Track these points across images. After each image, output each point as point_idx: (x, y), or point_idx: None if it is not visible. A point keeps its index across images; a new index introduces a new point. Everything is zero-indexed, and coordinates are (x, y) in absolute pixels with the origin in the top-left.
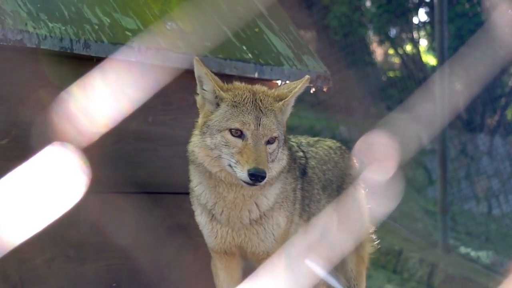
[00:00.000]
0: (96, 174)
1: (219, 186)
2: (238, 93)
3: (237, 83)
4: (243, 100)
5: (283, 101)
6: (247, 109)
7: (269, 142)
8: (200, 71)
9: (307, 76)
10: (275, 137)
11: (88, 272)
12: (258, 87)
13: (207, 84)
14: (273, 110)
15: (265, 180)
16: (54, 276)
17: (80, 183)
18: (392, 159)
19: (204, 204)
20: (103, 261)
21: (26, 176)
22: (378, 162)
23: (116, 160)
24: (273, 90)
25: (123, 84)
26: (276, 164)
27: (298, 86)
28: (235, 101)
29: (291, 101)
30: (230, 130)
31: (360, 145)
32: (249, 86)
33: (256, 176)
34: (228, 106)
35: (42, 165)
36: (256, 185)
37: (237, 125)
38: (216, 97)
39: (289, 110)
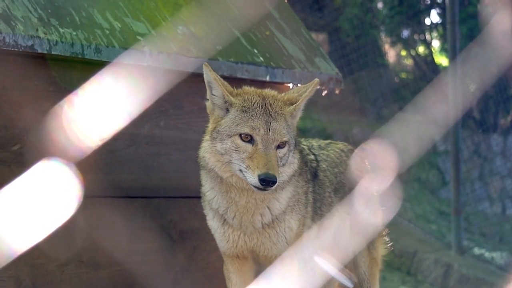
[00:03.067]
0: (108, 178)
1: (231, 191)
2: (247, 98)
3: (246, 88)
4: (253, 105)
5: (294, 105)
6: (256, 114)
7: (279, 146)
8: (209, 76)
9: (316, 79)
10: (286, 142)
11: (101, 276)
12: (268, 91)
13: (216, 89)
14: (283, 114)
15: (275, 185)
16: (67, 281)
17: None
18: (390, 168)
19: (216, 209)
20: (116, 266)
21: (36, 181)
22: (375, 171)
23: (129, 165)
24: (283, 94)
25: (135, 88)
26: (287, 168)
27: (308, 90)
28: (244, 106)
29: (301, 105)
30: (240, 135)
31: (357, 155)
32: (259, 90)
33: (267, 182)
34: (237, 111)
35: (52, 170)
36: (266, 190)
37: (246, 130)
38: (226, 102)
39: (299, 113)
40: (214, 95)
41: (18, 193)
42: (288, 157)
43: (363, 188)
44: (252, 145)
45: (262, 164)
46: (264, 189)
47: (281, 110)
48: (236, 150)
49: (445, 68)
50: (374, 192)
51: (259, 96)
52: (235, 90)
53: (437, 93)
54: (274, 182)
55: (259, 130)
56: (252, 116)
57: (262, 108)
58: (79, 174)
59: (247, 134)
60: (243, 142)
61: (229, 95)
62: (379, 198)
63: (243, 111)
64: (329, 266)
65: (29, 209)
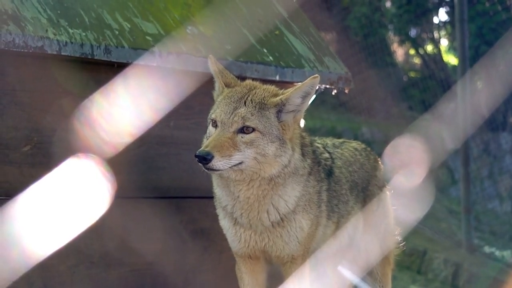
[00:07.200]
0: (119, 179)
1: (229, 185)
2: (236, 89)
3: (247, 81)
4: (234, 95)
5: (280, 96)
6: (231, 101)
7: (243, 131)
8: (210, 68)
9: (316, 75)
10: (252, 127)
11: (112, 277)
12: (267, 86)
13: (215, 80)
14: (262, 103)
15: (213, 164)
16: (78, 282)
17: (104, 192)
18: (422, 164)
19: (225, 206)
20: (127, 267)
21: (50, 186)
22: (408, 167)
23: (139, 165)
24: (282, 90)
25: (145, 89)
26: (272, 160)
27: (303, 83)
28: (226, 96)
29: (292, 97)
30: (211, 121)
31: (390, 150)
32: (256, 84)
33: (199, 157)
34: (220, 100)
35: (66, 174)
36: (209, 170)
37: (213, 116)
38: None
39: (294, 107)
40: (216, 86)
41: (29, 198)
42: (264, 146)
43: (376, 187)
44: (215, 129)
45: (206, 144)
46: (204, 168)
47: (262, 100)
48: (209, 136)
49: (453, 66)
50: (387, 191)
51: (248, 88)
52: (235, 82)
53: (446, 92)
54: (205, 158)
55: (223, 114)
56: (225, 103)
57: (239, 97)
58: (87, 176)
59: (214, 120)
60: (212, 128)
61: (223, 86)
62: (407, 200)
63: (223, 99)
64: (351, 275)
65: (41, 215)
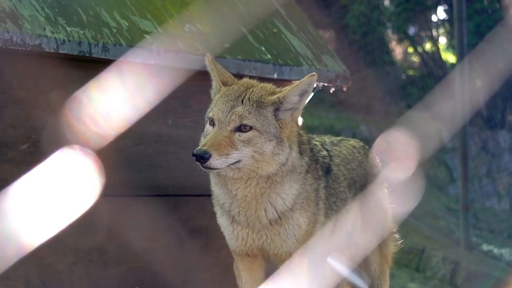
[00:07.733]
0: (117, 177)
1: (227, 183)
2: (234, 87)
3: (245, 79)
4: (231, 93)
5: (277, 94)
6: (228, 99)
7: (240, 130)
8: (208, 66)
9: (313, 73)
10: (249, 126)
11: (110, 275)
12: (264, 84)
13: (212, 78)
14: (259, 101)
15: (211, 163)
16: (76, 280)
17: (97, 186)
18: (412, 157)
19: (222, 204)
20: (125, 265)
21: (44, 179)
22: (398, 160)
23: (137, 163)
24: (279, 88)
25: (142, 87)
26: (269, 158)
27: (301, 81)
28: (224, 94)
29: (289, 95)
30: (208, 119)
31: (379, 143)
32: (253, 82)
33: (197, 156)
34: (217, 98)
35: (61, 168)
36: (206, 169)
37: (210, 114)
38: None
39: (292, 105)
40: (213, 84)
41: (24, 190)
42: (262, 145)
43: (374, 185)
44: (213, 128)
45: (203, 143)
46: (202, 167)
47: (259, 98)
48: (206, 135)
49: (452, 64)
50: (385, 189)
51: (245, 86)
52: (233, 80)
53: (445, 89)
54: (203, 157)
55: (220, 112)
56: (222, 101)
57: (236, 95)
58: (86, 174)
59: (211, 118)
60: (210, 126)
61: (221, 84)
62: (397, 193)
63: (221, 97)
64: (342, 267)
65: (36, 206)
